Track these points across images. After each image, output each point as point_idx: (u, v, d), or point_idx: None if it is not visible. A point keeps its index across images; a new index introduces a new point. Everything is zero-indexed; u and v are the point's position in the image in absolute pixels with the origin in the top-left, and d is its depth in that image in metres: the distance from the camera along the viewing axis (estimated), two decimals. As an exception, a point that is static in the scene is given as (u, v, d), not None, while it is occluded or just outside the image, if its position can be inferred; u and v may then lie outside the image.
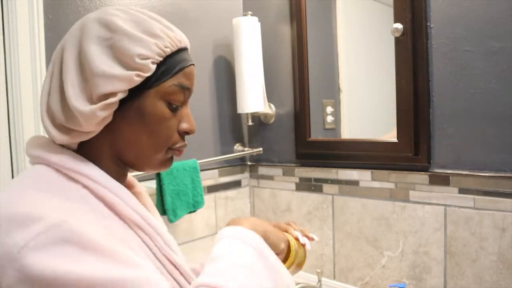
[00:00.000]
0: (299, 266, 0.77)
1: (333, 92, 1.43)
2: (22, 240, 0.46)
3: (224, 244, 0.61)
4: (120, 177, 0.65)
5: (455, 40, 1.06)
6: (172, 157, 0.66)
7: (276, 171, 1.50)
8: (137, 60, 0.56)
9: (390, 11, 1.15)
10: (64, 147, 0.60)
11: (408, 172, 1.16)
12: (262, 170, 1.55)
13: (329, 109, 1.42)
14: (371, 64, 1.38)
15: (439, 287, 1.12)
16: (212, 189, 1.45)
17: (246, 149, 1.55)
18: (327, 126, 1.43)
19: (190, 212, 1.28)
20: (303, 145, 1.41)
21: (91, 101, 0.56)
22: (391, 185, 1.20)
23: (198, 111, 1.42)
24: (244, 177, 1.57)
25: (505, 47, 0.98)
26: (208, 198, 1.41)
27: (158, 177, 1.20)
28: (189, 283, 0.64)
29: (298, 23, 1.39)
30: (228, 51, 1.51)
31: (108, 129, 0.59)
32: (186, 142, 0.66)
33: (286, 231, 0.79)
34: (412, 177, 1.16)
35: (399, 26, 1.12)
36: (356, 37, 1.42)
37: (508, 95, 0.99)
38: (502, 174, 1.00)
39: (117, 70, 0.56)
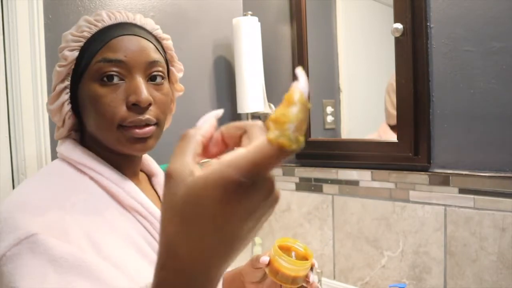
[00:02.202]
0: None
1: (333, 92, 1.43)
2: (2, 250, 0.51)
3: None
4: (126, 165, 0.69)
5: (455, 40, 1.06)
6: (140, 139, 0.63)
7: (276, 171, 1.50)
8: (59, 54, 0.65)
9: (390, 11, 1.15)
10: (77, 144, 0.67)
11: (408, 172, 1.16)
12: (262, 170, 1.55)
13: (329, 109, 1.42)
14: (371, 64, 1.38)
15: (439, 287, 1.12)
16: (212, 189, 1.45)
17: (246, 149, 1.54)
18: (327, 126, 1.43)
19: (190, 212, 1.27)
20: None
21: None
22: (391, 185, 1.20)
23: (198, 111, 1.42)
24: (244, 177, 1.57)
25: (505, 47, 0.98)
26: (208, 198, 1.41)
27: (158, 177, 1.19)
28: None
29: (298, 23, 1.39)
30: (228, 51, 1.51)
31: (81, 121, 0.67)
32: (141, 117, 0.62)
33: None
34: (412, 177, 1.16)
35: (399, 26, 1.12)
36: (356, 37, 1.42)
37: (508, 95, 0.99)
38: (502, 174, 1.00)
39: (54, 71, 0.66)
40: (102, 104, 0.61)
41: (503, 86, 0.99)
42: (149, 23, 0.68)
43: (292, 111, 0.29)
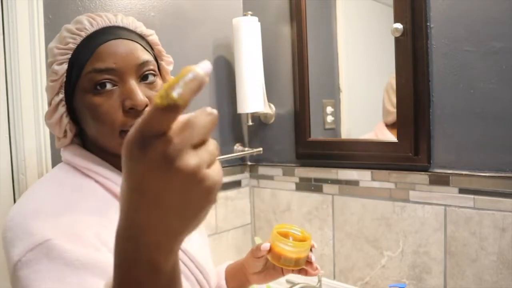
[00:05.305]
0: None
1: (333, 92, 1.43)
2: (16, 256, 0.53)
3: None
4: None
5: (455, 40, 1.06)
6: None
7: (276, 171, 1.50)
8: (48, 70, 0.65)
9: (390, 11, 1.15)
10: (81, 148, 0.69)
11: (408, 172, 1.16)
12: (262, 170, 1.55)
13: (329, 109, 1.42)
14: (371, 64, 1.38)
15: (439, 287, 1.12)
16: (212, 189, 1.45)
17: (246, 149, 1.55)
18: (327, 126, 1.43)
19: (190, 212, 1.27)
20: (303, 145, 1.41)
21: None
22: (391, 185, 1.20)
23: (198, 111, 1.42)
24: (244, 177, 1.57)
25: (505, 47, 0.98)
26: (208, 198, 1.41)
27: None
28: (198, 268, 0.70)
29: (298, 23, 1.39)
30: (228, 51, 1.51)
31: (82, 131, 0.69)
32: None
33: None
34: (412, 177, 1.16)
35: (399, 26, 1.12)
36: (356, 37, 1.42)
37: (508, 95, 0.99)
38: (502, 174, 1.00)
39: (46, 85, 0.66)
40: (100, 113, 0.62)
41: (503, 86, 0.99)
42: (131, 22, 0.68)
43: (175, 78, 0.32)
